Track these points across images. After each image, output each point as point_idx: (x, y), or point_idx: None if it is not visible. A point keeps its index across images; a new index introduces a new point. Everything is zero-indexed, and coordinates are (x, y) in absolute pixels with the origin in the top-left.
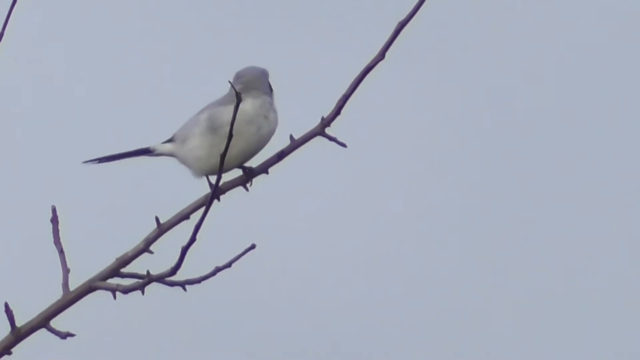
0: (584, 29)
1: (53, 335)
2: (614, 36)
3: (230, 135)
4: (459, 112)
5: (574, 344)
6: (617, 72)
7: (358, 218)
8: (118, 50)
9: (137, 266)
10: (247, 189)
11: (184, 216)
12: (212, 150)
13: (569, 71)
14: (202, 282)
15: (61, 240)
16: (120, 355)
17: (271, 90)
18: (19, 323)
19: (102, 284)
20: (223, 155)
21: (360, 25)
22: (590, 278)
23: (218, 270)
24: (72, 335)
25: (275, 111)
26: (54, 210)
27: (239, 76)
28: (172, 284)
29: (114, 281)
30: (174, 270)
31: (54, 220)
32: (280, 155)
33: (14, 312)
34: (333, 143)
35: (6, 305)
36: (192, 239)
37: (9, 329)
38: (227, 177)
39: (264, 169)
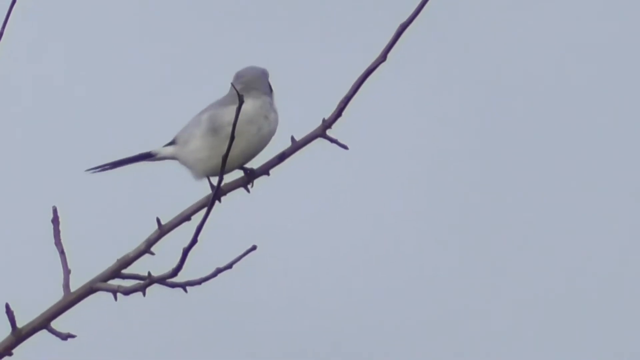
0: (584, 29)
1: (54, 336)
2: (614, 36)
3: (232, 137)
4: (459, 114)
5: (574, 344)
6: (617, 72)
7: (358, 219)
8: (118, 50)
9: (138, 267)
10: (248, 191)
11: (185, 217)
12: (213, 152)
13: (569, 71)
14: (203, 284)
15: (62, 241)
16: (121, 356)
17: (271, 90)
18: (19, 324)
19: (103, 285)
20: (225, 157)
21: (361, 25)
22: (590, 278)
23: (219, 271)
24: (73, 336)
25: (275, 111)
26: (54, 210)
27: (239, 76)
28: (173, 285)
29: (115, 282)
30: (175, 272)
31: (55, 220)
32: (282, 157)
33: (14, 313)
34: (334, 145)
35: (7, 306)
36: (194, 241)
37: (9, 329)
38: (228, 178)
39: (265, 170)
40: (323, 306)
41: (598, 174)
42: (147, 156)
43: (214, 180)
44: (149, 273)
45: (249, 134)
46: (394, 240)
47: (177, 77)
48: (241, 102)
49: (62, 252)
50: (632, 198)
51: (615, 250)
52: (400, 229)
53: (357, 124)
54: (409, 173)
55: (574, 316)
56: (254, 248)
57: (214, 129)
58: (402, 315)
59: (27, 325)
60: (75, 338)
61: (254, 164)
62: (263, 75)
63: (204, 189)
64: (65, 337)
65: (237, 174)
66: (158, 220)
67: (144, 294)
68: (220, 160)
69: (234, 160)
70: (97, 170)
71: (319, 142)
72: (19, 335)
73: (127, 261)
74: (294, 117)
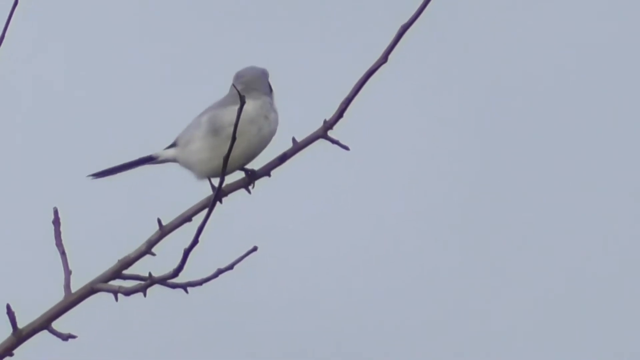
0: (584, 29)
1: (54, 337)
2: (614, 36)
3: (234, 137)
4: (460, 114)
5: (574, 344)
6: (617, 72)
7: (359, 220)
8: (118, 50)
9: (139, 268)
10: (249, 192)
11: (186, 218)
12: (214, 153)
13: (569, 71)
14: (204, 284)
15: (63, 241)
16: (122, 357)
17: (271, 90)
18: (20, 324)
19: (104, 285)
20: (226, 157)
21: (362, 25)
22: (590, 278)
23: (220, 272)
24: (73, 336)
25: (275, 111)
26: (55, 211)
27: (239, 76)
28: (174, 286)
29: (116, 283)
30: (176, 272)
31: (56, 221)
32: (283, 158)
33: (15, 314)
34: (335, 146)
35: (8, 307)
36: (195, 241)
37: (10, 330)
38: (229, 179)
39: (266, 171)
40: (324, 307)
41: (598, 174)
42: (149, 159)
43: (215, 181)
44: (150, 274)
45: (250, 135)
46: (394, 240)
47: (177, 77)
48: (243, 103)
49: (63, 253)
50: (632, 198)
51: (615, 250)
52: (401, 229)
53: (359, 125)
54: (410, 174)
55: (574, 316)
56: (255, 249)
57: (214, 130)
58: (402, 315)
59: (28, 325)
60: (76, 339)
61: (255, 165)
62: (263, 75)
63: (205, 190)
64: (66, 337)
65: (238, 175)
66: (159, 221)
67: (145, 295)
68: (221, 161)
69: (235, 161)
70: (99, 176)
71: (320, 143)
72: (20, 336)
73: (128, 262)
74: (294, 118)
